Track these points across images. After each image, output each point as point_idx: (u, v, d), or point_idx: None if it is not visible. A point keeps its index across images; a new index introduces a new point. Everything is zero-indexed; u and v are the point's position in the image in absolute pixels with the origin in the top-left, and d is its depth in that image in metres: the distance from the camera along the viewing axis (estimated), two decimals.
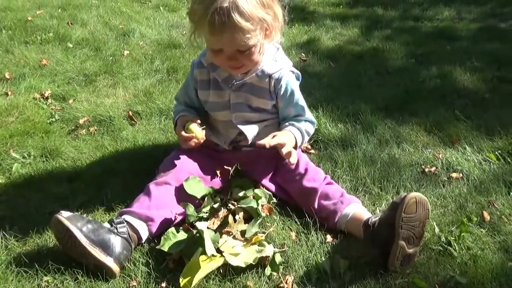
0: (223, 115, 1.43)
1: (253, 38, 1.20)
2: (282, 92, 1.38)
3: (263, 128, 1.44)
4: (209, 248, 1.14)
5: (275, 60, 1.37)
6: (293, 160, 1.31)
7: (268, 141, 1.28)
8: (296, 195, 1.41)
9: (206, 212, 1.29)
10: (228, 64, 1.28)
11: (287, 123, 1.41)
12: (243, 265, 1.16)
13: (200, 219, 1.26)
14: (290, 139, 1.34)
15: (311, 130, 1.45)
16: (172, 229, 1.24)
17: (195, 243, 1.18)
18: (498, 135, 1.83)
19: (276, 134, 1.32)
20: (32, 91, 2.09)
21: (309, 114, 1.45)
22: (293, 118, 1.43)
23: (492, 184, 1.53)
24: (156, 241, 1.26)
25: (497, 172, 1.59)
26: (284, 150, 1.28)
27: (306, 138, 1.43)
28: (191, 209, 1.28)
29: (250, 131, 1.42)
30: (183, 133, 1.36)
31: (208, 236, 1.17)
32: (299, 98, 1.42)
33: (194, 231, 1.21)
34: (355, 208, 1.32)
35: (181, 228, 1.27)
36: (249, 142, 1.44)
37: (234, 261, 1.15)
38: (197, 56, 1.47)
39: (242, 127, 1.42)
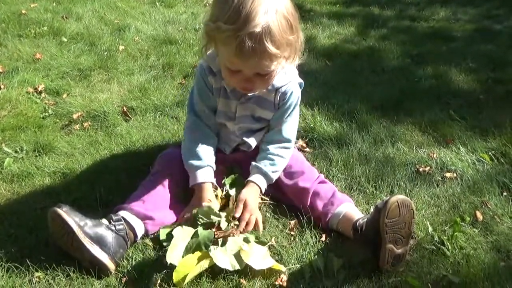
0: (226, 124, 1.41)
1: (277, 63, 1.16)
2: (283, 104, 1.36)
3: (263, 134, 1.45)
4: (170, 256, 1.12)
5: (284, 72, 1.32)
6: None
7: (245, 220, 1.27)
8: (290, 193, 1.41)
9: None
10: (242, 85, 1.23)
11: (254, 165, 1.37)
12: (231, 268, 1.14)
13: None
14: (256, 197, 1.35)
15: (284, 162, 1.39)
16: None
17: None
18: (491, 135, 1.84)
19: (245, 201, 1.29)
20: (25, 85, 2.07)
21: (289, 132, 1.40)
22: (275, 132, 1.41)
23: (485, 184, 1.54)
24: (150, 239, 1.26)
25: (491, 173, 1.60)
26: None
27: (276, 175, 1.39)
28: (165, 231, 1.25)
29: (253, 140, 1.44)
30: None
31: (174, 245, 1.15)
32: (293, 115, 1.39)
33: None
34: (347, 208, 1.31)
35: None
36: (251, 149, 1.45)
37: (222, 264, 1.13)
38: (197, 58, 1.42)
39: (246, 139, 1.43)
